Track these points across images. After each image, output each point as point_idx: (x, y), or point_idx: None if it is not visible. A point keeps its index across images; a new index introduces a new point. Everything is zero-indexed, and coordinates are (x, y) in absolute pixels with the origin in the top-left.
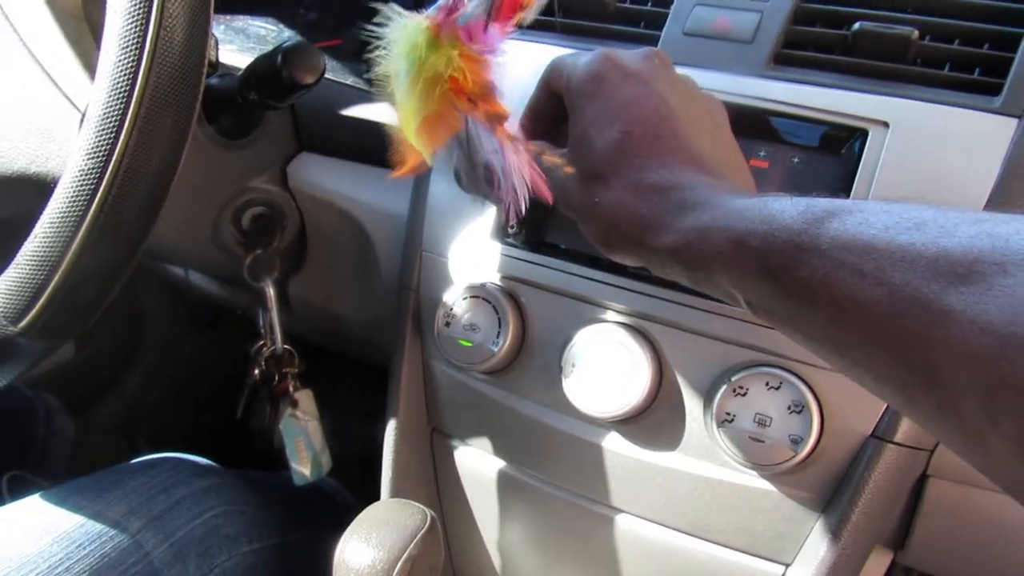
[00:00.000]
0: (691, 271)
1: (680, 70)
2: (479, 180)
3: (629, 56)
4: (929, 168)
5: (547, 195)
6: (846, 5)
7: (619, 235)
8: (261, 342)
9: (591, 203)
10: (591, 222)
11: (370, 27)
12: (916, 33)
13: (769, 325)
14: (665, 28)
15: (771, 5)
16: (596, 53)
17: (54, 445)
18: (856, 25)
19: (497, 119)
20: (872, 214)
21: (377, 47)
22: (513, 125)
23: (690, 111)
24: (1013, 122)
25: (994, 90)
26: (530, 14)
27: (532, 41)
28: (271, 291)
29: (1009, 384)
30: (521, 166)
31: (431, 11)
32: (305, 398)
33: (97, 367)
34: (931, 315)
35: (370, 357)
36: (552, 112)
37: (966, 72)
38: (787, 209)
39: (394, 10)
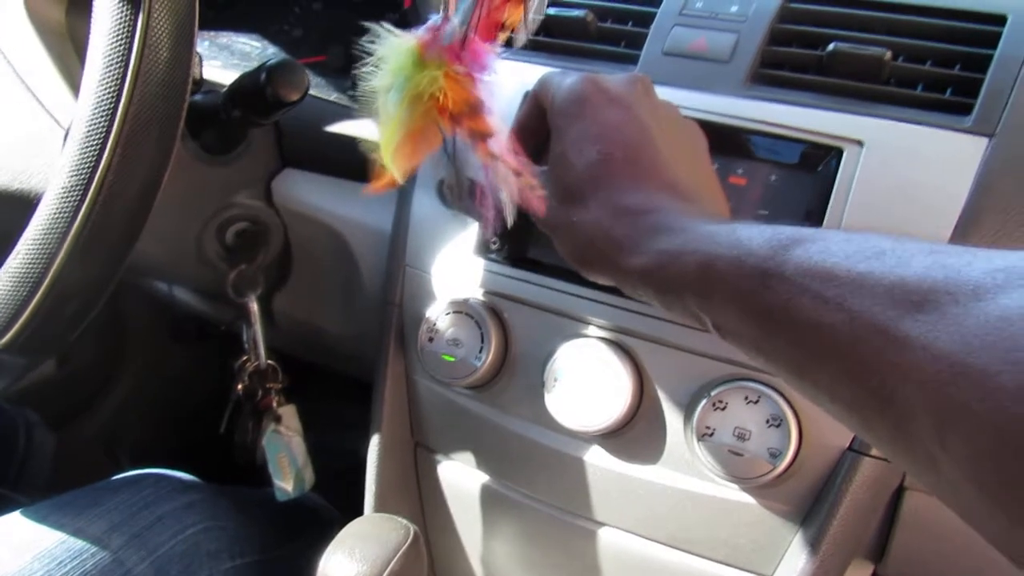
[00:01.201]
0: (661, 293)
1: (659, 89)
2: (464, 195)
3: (613, 81)
4: (903, 185)
5: (535, 210)
6: (821, 26)
7: (593, 254)
8: (245, 357)
9: (568, 221)
10: (567, 240)
11: (359, 44)
12: (889, 54)
13: (736, 348)
14: (645, 48)
15: (748, 26)
16: (580, 76)
17: (34, 461)
18: (831, 46)
19: (480, 136)
20: (834, 243)
21: (365, 64)
22: (500, 142)
23: (669, 137)
24: (984, 141)
25: (965, 110)
26: (522, 35)
27: (515, 60)
28: (255, 306)
29: (959, 409)
30: (506, 182)
31: (419, 31)
32: (288, 413)
33: (79, 382)
34: (888, 341)
35: (354, 371)
36: (540, 127)
37: (938, 92)
38: (755, 236)
39: (384, 28)
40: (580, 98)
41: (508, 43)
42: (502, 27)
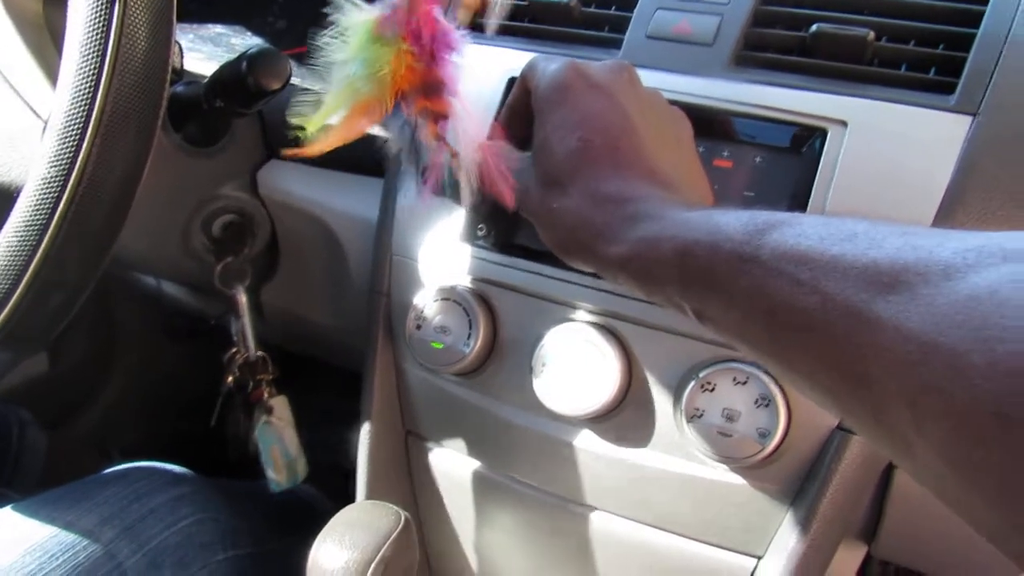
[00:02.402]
0: (641, 281)
1: (643, 73)
2: (418, 172)
3: (596, 67)
4: (887, 165)
5: (501, 196)
6: (804, 7)
7: (574, 242)
8: (234, 350)
9: (549, 208)
10: (548, 227)
11: (324, 12)
12: (872, 34)
13: (715, 334)
14: (628, 32)
15: (731, 8)
16: (564, 62)
17: (27, 459)
18: (814, 27)
19: (433, 116)
20: (809, 226)
21: (323, 35)
22: (465, 124)
23: (652, 125)
24: (967, 120)
25: (949, 89)
26: (492, 20)
27: (499, 46)
28: (243, 298)
29: (930, 389)
30: (471, 164)
31: (379, 5)
32: (280, 405)
33: (70, 379)
34: (861, 323)
35: (343, 362)
36: (527, 112)
37: (922, 72)
38: (731, 221)
39: (349, 1)
40: (562, 85)
41: (480, 28)
42: (465, 7)
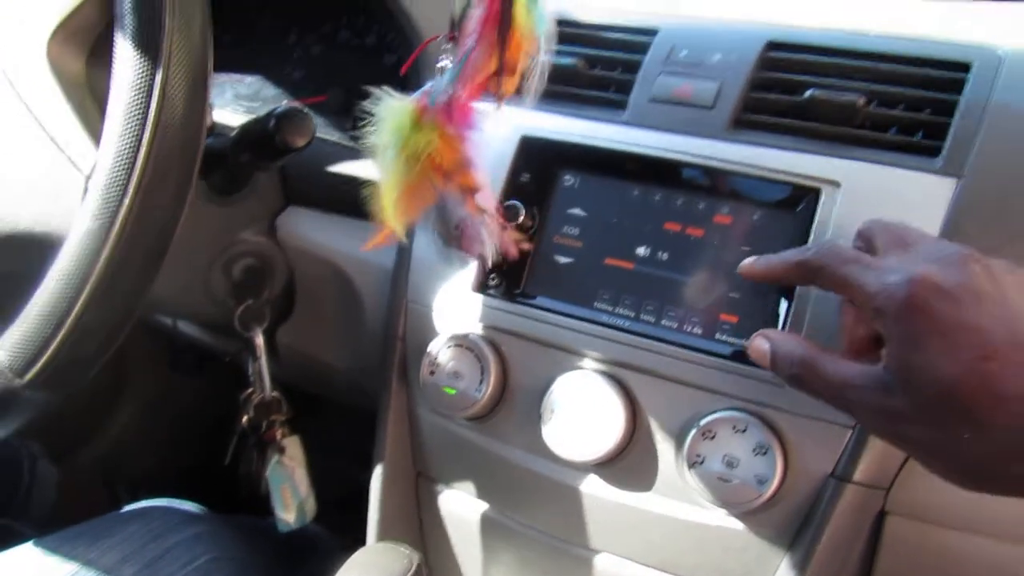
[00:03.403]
0: None
1: (647, 133)
2: (452, 239)
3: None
4: None
5: (513, 253)
6: (799, 73)
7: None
8: (250, 389)
9: (954, 443)
10: (951, 459)
11: (361, 104)
12: (863, 99)
13: None
14: (632, 94)
15: (730, 74)
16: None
17: (37, 493)
18: (808, 92)
19: (469, 191)
20: None
21: (366, 123)
22: (485, 195)
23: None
24: (952, 182)
25: (934, 152)
26: (529, 98)
27: (508, 105)
28: (260, 340)
29: None
30: (490, 230)
31: (416, 95)
32: (292, 445)
33: (82, 413)
34: None
35: (356, 402)
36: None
37: (909, 135)
38: None
39: (385, 91)
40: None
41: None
42: (499, 97)
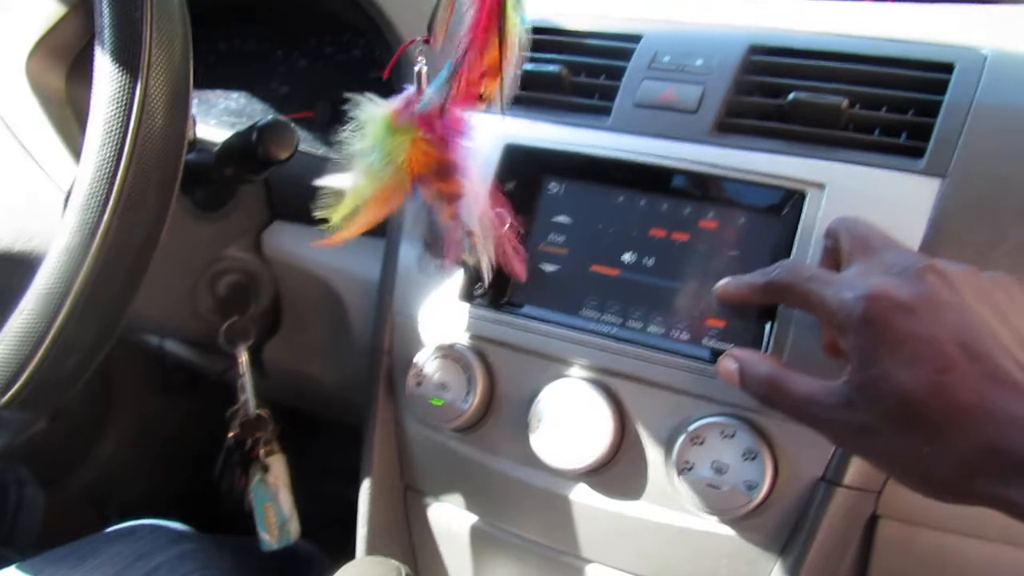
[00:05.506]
0: None
1: (631, 139)
2: (434, 247)
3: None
4: None
5: (517, 268)
6: (782, 77)
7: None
8: (236, 406)
9: (918, 455)
10: (919, 473)
11: (344, 107)
12: (846, 102)
13: None
14: (616, 100)
15: (713, 78)
16: (865, 290)
17: (25, 516)
18: (791, 95)
19: (447, 198)
20: None
21: (345, 128)
22: (477, 202)
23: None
24: (936, 182)
25: (919, 153)
26: (497, 107)
27: (491, 112)
28: (245, 356)
29: None
30: (485, 240)
31: (394, 100)
32: (277, 463)
33: (70, 439)
34: None
35: (343, 416)
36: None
37: (893, 137)
38: None
39: (365, 96)
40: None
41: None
42: (480, 98)
